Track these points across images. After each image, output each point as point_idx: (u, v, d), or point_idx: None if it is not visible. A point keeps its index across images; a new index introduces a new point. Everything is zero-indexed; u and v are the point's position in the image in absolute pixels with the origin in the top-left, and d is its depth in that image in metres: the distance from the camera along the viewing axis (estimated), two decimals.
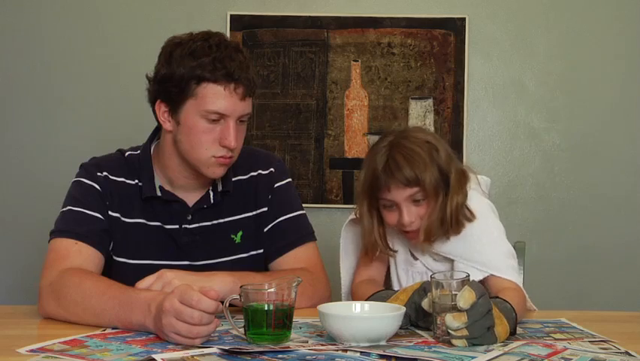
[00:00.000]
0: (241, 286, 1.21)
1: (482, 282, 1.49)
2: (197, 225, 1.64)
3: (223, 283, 1.41)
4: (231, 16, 2.88)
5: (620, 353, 1.13)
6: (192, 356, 1.06)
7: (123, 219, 1.61)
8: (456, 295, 1.17)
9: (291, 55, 2.90)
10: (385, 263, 1.70)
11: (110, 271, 1.59)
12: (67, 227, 1.56)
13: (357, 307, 1.28)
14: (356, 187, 1.72)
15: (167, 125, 1.58)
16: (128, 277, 1.44)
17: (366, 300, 1.39)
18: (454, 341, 1.16)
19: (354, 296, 1.61)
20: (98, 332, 1.25)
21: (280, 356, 1.07)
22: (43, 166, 2.89)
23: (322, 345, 1.14)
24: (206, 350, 1.10)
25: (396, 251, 1.63)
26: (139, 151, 1.67)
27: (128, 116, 2.81)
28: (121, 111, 2.86)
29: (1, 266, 2.90)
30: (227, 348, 1.09)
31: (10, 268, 2.89)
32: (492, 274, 1.52)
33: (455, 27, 2.88)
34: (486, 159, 2.91)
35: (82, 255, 1.52)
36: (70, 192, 1.63)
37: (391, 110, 2.90)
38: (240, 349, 1.09)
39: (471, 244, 1.56)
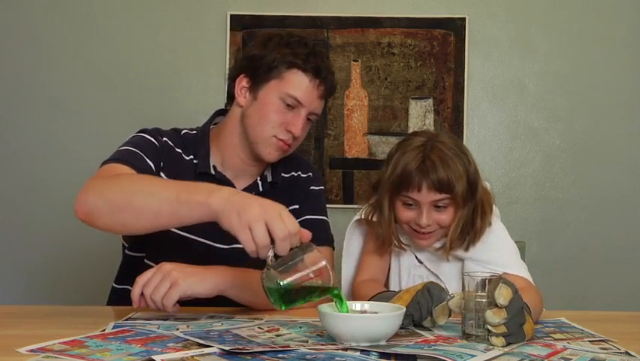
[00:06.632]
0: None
1: None
2: None
3: (222, 277, 1.41)
4: (231, 16, 2.88)
5: (620, 353, 1.13)
6: (192, 357, 1.05)
7: None
8: (492, 293, 1.16)
9: None
10: (387, 263, 1.70)
11: (150, 239, 1.54)
12: (123, 158, 1.54)
13: (357, 307, 1.28)
14: (374, 181, 1.70)
15: (242, 99, 1.64)
16: (173, 246, 1.45)
17: (368, 300, 1.39)
18: (493, 340, 1.14)
19: (355, 295, 1.61)
20: (98, 332, 1.25)
21: (280, 355, 1.06)
22: (44, 167, 2.89)
23: (322, 345, 1.14)
24: (206, 350, 1.09)
25: (408, 245, 1.65)
26: (195, 131, 1.71)
27: (130, 117, 2.81)
28: (122, 112, 2.86)
29: (1, 266, 2.91)
30: (227, 348, 1.09)
31: (10, 268, 2.89)
32: (505, 272, 1.50)
33: (455, 27, 2.88)
34: (486, 159, 2.91)
35: None
36: (128, 140, 1.62)
37: (391, 110, 2.90)
38: (240, 349, 1.09)
39: (483, 245, 1.59)
